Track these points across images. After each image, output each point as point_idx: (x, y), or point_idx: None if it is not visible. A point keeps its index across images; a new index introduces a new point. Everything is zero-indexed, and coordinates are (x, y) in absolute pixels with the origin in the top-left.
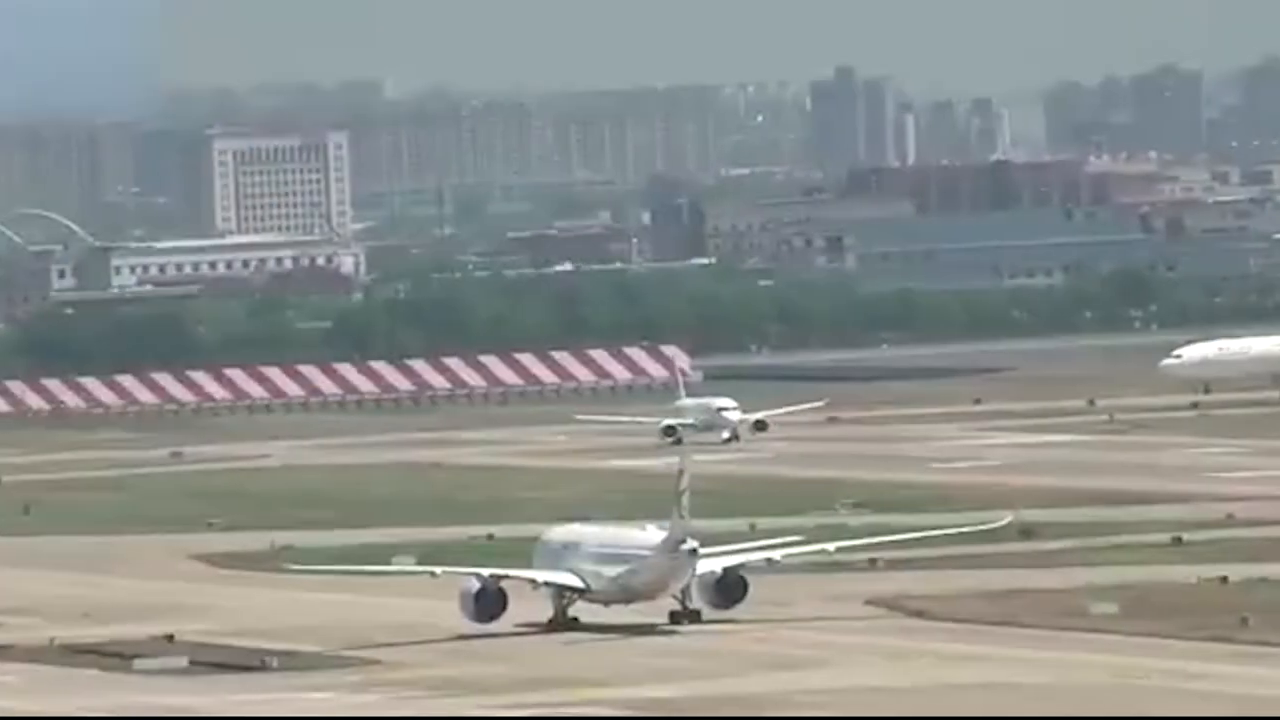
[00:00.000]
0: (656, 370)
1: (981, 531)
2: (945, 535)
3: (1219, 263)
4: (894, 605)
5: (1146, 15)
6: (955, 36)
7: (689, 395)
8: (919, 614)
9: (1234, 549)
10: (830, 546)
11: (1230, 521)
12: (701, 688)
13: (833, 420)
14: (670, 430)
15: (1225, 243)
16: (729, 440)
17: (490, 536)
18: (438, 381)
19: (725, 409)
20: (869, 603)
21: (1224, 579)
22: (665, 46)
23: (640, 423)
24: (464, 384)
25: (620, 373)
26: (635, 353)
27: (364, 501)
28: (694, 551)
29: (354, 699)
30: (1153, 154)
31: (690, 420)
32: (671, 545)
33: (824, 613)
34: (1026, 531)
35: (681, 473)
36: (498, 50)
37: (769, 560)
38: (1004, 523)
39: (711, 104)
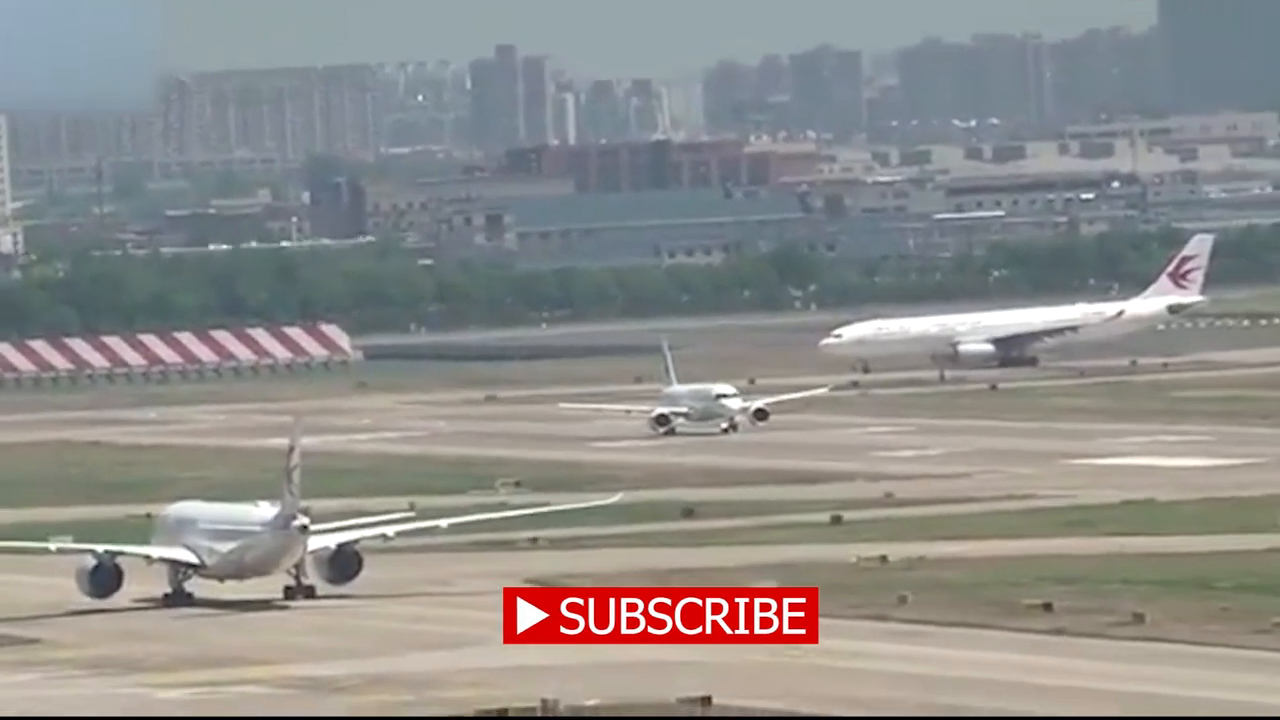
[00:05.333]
0: (316, 349)
1: (596, 508)
2: (561, 512)
3: (878, 242)
4: (553, 584)
5: None
6: (615, 17)
7: (679, 382)
8: None
9: (893, 528)
10: (443, 523)
11: (889, 500)
12: (362, 666)
13: (491, 399)
14: (663, 419)
15: (884, 222)
16: (727, 430)
17: (149, 515)
18: (96, 360)
19: (724, 396)
20: (528, 581)
21: (883, 558)
22: (325, 25)
23: (629, 411)
24: (123, 363)
25: (280, 352)
26: (295, 332)
27: (21, 480)
28: (305, 528)
29: (12, 678)
30: (812, 134)
31: (684, 409)
32: (282, 522)
33: (482, 589)
34: (688, 511)
35: (292, 449)
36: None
37: (384, 536)
38: (617, 499)
39: (371, 83)
